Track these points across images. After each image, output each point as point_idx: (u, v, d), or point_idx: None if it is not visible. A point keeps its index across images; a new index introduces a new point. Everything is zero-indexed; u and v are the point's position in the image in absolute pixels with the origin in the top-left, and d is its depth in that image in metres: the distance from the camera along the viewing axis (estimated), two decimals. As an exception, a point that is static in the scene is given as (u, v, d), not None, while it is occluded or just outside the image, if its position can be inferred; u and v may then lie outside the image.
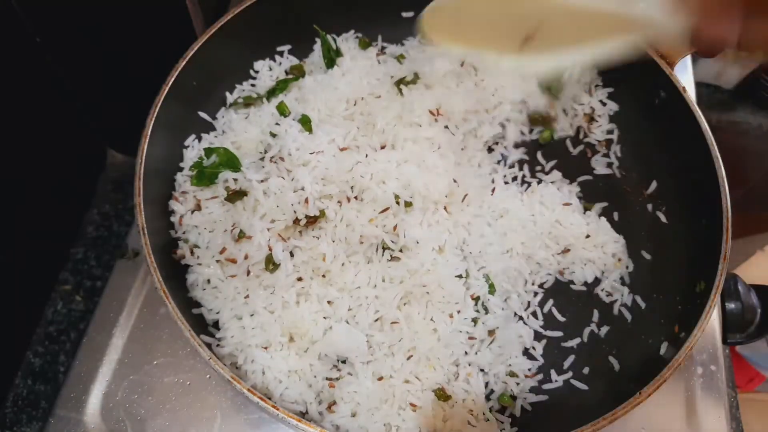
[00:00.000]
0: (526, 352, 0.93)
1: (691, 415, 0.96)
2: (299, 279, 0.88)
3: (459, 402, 0.85)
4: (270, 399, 0.74)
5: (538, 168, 1.10)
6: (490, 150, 1.09)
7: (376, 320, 0.88)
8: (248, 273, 0.89)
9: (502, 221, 0.99)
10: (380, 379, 0.85)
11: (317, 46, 1.13)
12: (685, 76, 1.34)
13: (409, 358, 0.86)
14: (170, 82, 0.93)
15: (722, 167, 0.91)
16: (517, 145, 1.11)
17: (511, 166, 1.09)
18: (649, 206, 1.06)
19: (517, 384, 0.89)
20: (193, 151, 1.02)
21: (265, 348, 0.85)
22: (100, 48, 1.12)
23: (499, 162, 1.09)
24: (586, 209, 1.04)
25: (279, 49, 1.14)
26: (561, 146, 1.12)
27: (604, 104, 1.14)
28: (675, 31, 0.67)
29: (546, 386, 0.91)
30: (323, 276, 0.89)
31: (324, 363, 0.87)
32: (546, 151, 1.11)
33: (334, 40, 1.12)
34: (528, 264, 0.99)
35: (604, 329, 0.96)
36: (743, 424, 0.97)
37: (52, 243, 1.23)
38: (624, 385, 0.83)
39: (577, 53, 0.77)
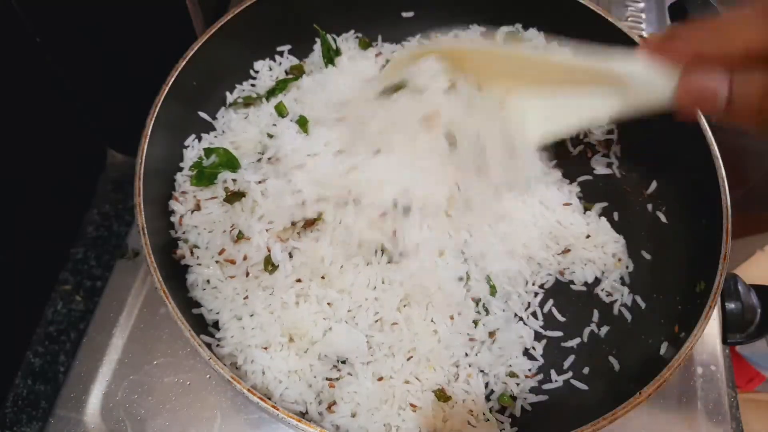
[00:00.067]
0: (527, 353, 0.93)
1: (691, 415, 0.96)
2: (298, 280, 0.88)
3: (459, 402, 0.85)
4: (270, 399, 0.74)
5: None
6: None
7: (376, 321, 0.88)
8: (247, 274, 0.89)
9: (503, 223, 0.99)
10: (380, 379, 0.85)
11: (317, 46, 1.13)
12: (685, 76, 1.33)
13: (409, 359, 0.86)
14: (170, 82, 0.93)
15: (722, 167, 0.91)
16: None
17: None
18: (649, 206, 1.06)
19: (517, 384, 0.89)
20: (193, 151, 1.02)
21: (265, 348, 0.85)
22: (100, 48, 1.12)
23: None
24: (586, 209, 1.04)
25: (279, 49, 1.14)
26: (561, 146, 1.12)
27: (604, 104, 1.14)
28: (659, 86, 0.63)
29: (546, 386, 0.91)
30: (322, 278, 0.89)
31: (324, 363, 0.87)
32: (546, 151, 1.11)
33: (334, 40, 1.12)
34: (529, 265, 0.99)
35: (604, 329, 0.96)
36: (743, 424, 0.97)
37: (52, 243, 1.23)
38: (624, 385, 0.83)
39: (566, 119, 0.78)
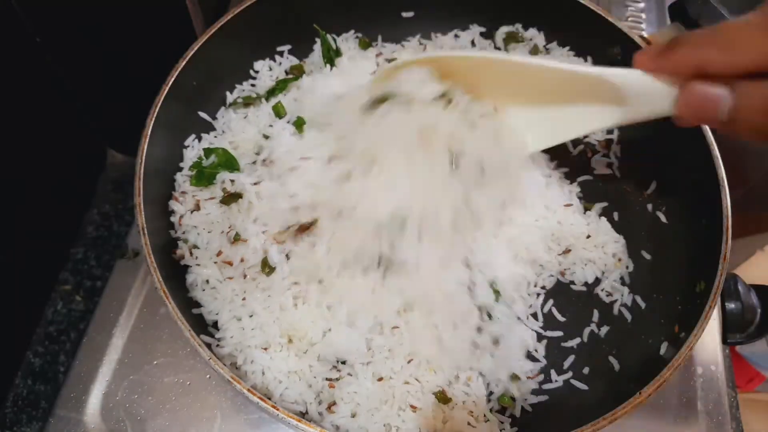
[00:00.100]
0: (529, 355, 0.93)
1: (691, 415, 0.96)
2: (296, 283, 0.88)
3: (459, 404, 0.85)
4: (270, 399, 0.74)
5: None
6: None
7: (376, 324, 0.87)
8: (245, 276, 0.89)
9: (507, 228, 0.98)
10: (380, 379, 0.84)
11: (317, 46, 1.13)
12: (685, 76, 1.33)
13: (409, 362, 0.86)
14: (170, 82, 0.93)
15: (722, 167, 0.91)
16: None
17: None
18: (649, 206, 1.06)
19: (518, 388, 0.89)
20: (193, 151, 1.02)
21: (265, 349, 0.85)
22: (100, 48, 1.12)
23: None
24: (586, 209, 1.04)
25: (279, 49, 1.14)
26: (561, 146, 1.11)
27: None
28: (659, 97, 0.62)
29: (546, 386, 0.91)
30: (320, 282, 0.89)
31: (323, 364, 0.87)
32: (546, 152, 1.11)
33: (334, 40, 1.12)
34: (532, 267, 0.98)
35: (604, 329, 0.96)
36: (743, 424, 0.97)
37: (52, 243, 1.23)
38: (624, 385, 0.83)
39: (563, 130, 0.77)
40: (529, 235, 0.98)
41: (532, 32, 1.15)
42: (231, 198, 0.94)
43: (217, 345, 0.85)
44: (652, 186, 1.06)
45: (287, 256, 0.89)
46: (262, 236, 0.89)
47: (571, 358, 0.93)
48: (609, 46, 1.05)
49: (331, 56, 1.10)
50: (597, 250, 1.00)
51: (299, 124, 1.00)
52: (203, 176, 0.98)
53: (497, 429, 0.85)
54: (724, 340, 1.01)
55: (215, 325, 0.89)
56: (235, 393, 0.93)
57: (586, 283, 1.00)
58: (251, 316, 0.87)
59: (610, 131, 1.13)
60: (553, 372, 0.92)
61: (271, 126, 1.03)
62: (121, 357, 0.97)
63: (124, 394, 0.94)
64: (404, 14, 1.15)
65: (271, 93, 1.07)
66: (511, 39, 1.15)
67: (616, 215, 1.05)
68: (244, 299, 0.87)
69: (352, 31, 1.16)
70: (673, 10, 1.23)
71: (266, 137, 1.02)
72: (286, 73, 1.12)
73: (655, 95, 0.62)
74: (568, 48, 1.15)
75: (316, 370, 0.86)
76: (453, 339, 0.87)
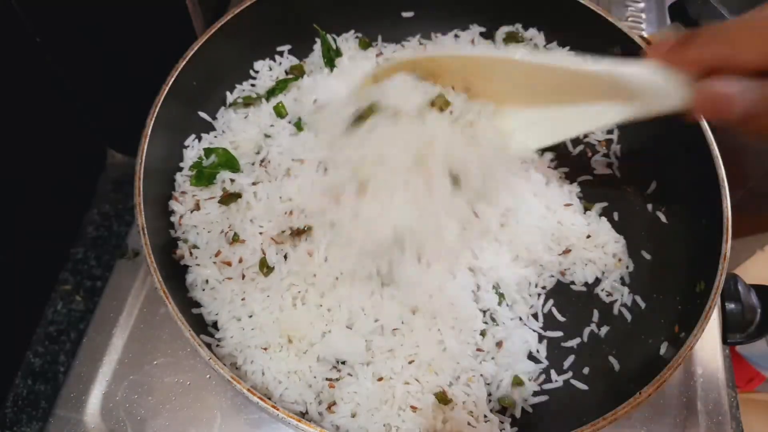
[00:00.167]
0: (530, 356, 0.93)
1: (691, 415, 0.96)
2: (295, 284, 0.88)
3: (459, 405, 0.85)
4: (270, 399, 0.74)
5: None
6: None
7: (377, 327, 0.87)
8: (243, 276, 0.89)
9: (508, 230, 0.98)
10: (380, 379, 0.84)
11: (317, 46, 1.13)
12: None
13: (410, 362, 0.86)
14: (170, 82, 0.93)
15: (722, 167, 0.91)
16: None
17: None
18: (649, 206, 1.06)
19: (521, 392, 0.89)
20: (193, 151, 1.02)
21: (265, 349, 0.85)
22: (100, 48, 1.12)
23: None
24: (586, 209, 1.04)
25: (279, 49, 1.14)
26: (561, 146, 1.12)
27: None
28: (670, 93, 0.59)
29: (546, 386, 0.91)
30: (318, 286, 0.88)
31: (323, 364, 0.87)
32: (546, 152, 1.11)
33: (334, 40, 1.12)
34: (533, 268, 0.98)
35: (604, 329, 0.96)
36: (743, 424, 0.97)
37: (52, 243, 1.23)
38: (624, 385, 0.83)
39: (566, 128, 0.74)
40: (529, 235, 0.98)
41: (532, 32, 1.15)
42: (230, 198, 0.94)
43: (217, 345, 0.85)
44: (652, 186, 1.06)
45: (285, 257, 0.89)
46: (260, 237, 0.89)
47: (571, 358, 0.93)
48: (609, 46, 1.05)
49: (331, 56, 1.10)
50: (597, 250, 1.00)
51: (300, 124, 1.01)
52: (203, 176, 0.98)
53: (497, 429, 0.85)
54: (724, 340, 1.01)
55: (215, 325, 0.89)
56: (235, 393, 0.93)
57: (586, 283, 1.00)
58: (251, 316, 0.87)
59: (610, 131, 1.13)
60: (553, 372, 0.92)
61: (272, 126, 1.03)
62: (121, 357, 0.97)
63: (124, 394, 0.94)
64: (404, 14, 1.14)
65: (271, 93, 1.07)
66: (511, 39, 1.15)
67: (616, 215, 1.05)
68: (243, 299, 0.88)
69: (352, 31, 1.16)
70: (673, 10, 1.23)
71: (267, 136, 1.02)
72: (286, 73, 1.12)
73: (667, 90, 0.59)
74: (568, 48, 1.15)
75: (316, 370, 0.86)
76: (456, 343, 0.87)
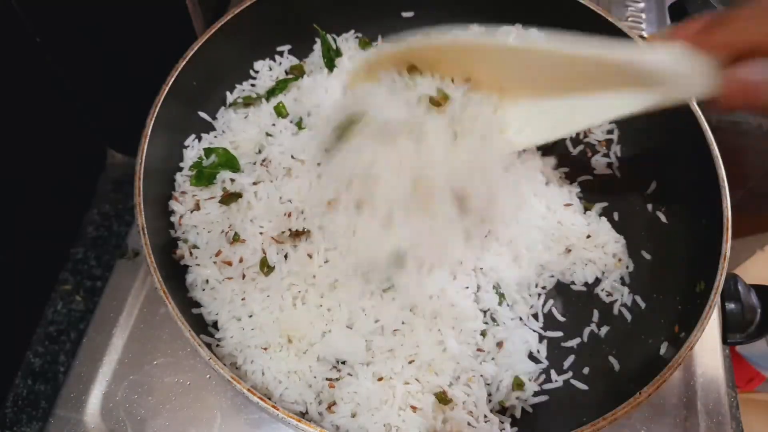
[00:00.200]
0: (531, 356, 0.93)
1: (691, 415, 0.96)
2: (294, 284, 0.88)
3: (459, 405, 0.85)
4: (270, 399, 0.74)
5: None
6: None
7: (377, 327, 0.87)
8: (243, 276, 0.89)
9: (509, 230, 0.98)
10: (380, 379, 0.84)
11: (317, 46, 1.13)
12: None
13: (410, 363, 0.86)
14: (170, 82, 0.93)
15: (722, 167, 0.91)
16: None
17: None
18: (649, 206, 1.06)
19: (521, 394, 0.89)
20: (193, 151, 1.02)
21: (265, 349, 0.85)
22: (100, 48, 1.12)
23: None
24: (586, 209, 1.04)
25: (279, 49, 1.14)
26: (561, 146, 1.12)
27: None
28: (696, 80, 0.55)
29: (546, 386, 0.91)
30: (318, 287, 0.88)
31: (323, 364, 0.87)
32: (546, 151, 1.11)
33: (334, 40, 1.12)
34: (533, 268, 0.98)
35: (604, 329, 0.96)
36: (743, 424, 0.97)
37: (52, 243, 1.23)
38: (624, 385, 0.83)
39: (577, 119, 0.68)
40: (529, 235, 0.98)
41: (532, 32, 1.15)
42: (230, 198, 0.94)
43: (217, 345, 0.85)
44: (652, 186, 1.06)
45: (286, 257, 0.89)
46: (260, 237, 0.89)
47: (571, 358, 0.93)
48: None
49: (331, 56, 1.10)
50: (597, 250, 1.00)
51: (301, 123, 1.01)
52: (203, 176, 0.98)
53: (497, 429, 0.85)
54: (724, 340, 1.01)
55: (215, 325, 0.89)
56: (235, 393, 0.93)
57: (586, 283, 1.00)
58: (251, 316, 0.87)
59: (610, 131, 1.13)
60: (553, 372, 0.92)
61: (274, 125, 1.03)
62: (121, 357, 0.97)
63: (124, 394, 0.94)
64: (404, 14, 1.14)
65: (271, 93, 1.07)
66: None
67: (616, 215, 1.05)
68: (243, 299, 0.88)
69: (352, 31, 1.16)
70: (673, 10, 1.23)
71: (269, 135, 1.02)
72: (286, 73, 1.12)
73: (693, 76, 0.55)
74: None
75: (316, 370, 0.86)
76: (456, 343, 0.87)
